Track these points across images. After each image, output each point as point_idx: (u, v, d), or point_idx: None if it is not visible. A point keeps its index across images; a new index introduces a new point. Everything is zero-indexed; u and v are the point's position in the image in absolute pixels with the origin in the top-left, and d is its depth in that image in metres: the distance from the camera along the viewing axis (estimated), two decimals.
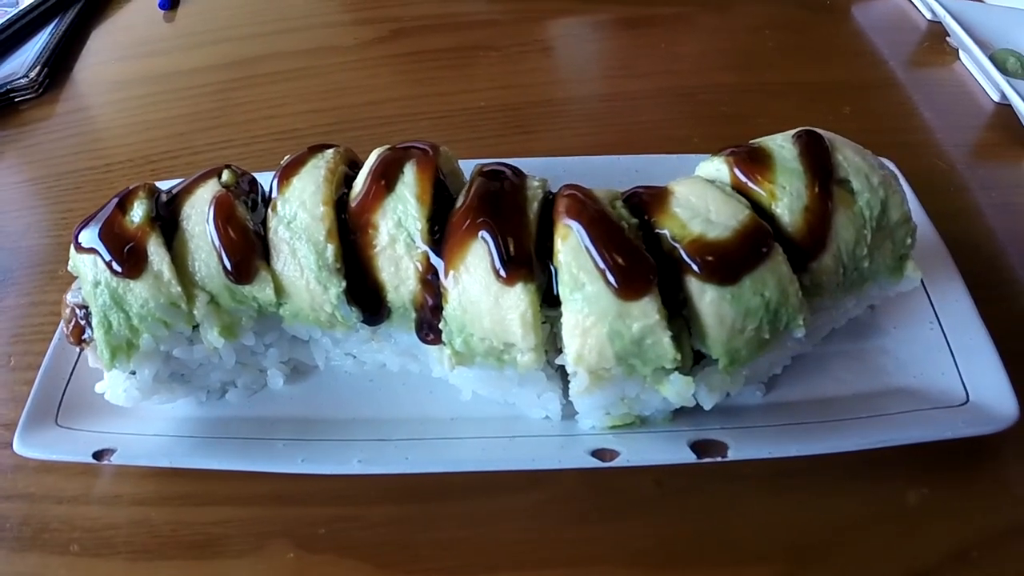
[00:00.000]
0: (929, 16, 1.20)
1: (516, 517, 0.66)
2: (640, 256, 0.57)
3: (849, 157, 0.65)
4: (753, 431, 0.65)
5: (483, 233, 0.58)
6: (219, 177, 0.67)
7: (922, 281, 0.75)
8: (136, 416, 0.69)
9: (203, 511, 0.67)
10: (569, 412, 0.65)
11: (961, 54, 1.12)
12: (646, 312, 0.56)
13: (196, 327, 0.65)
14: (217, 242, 0.63)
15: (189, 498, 0.68)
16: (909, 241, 0.66)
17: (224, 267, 0.63)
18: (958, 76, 1.12)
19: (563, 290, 0.58)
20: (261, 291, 0.64)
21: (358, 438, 0.65)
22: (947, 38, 1.15)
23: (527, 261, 0.58)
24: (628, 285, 0.56)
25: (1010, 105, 0.95)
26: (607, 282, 0.56)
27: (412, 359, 0.68)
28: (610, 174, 0.76)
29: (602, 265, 0.56)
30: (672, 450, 0.62)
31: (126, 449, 0.65)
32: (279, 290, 0.64)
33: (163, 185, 0.70)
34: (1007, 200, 0.92)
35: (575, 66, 1.18)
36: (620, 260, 0.56)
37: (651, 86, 1.10)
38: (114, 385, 0.66)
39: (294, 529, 0.66)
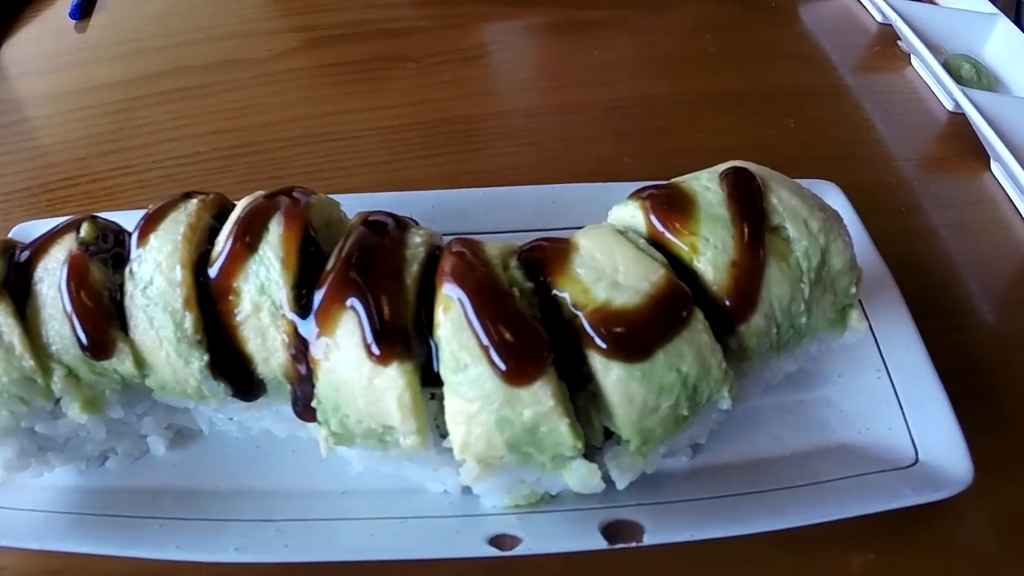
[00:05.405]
0: (880, 18, 1.00)
1: None
2: (531, 332, 0.42)
3: (785, 199, 0.49)
4: (674, 507, 0.50)
5: (351, 302, 0.43)
6: (78, 231, 0.51)
7: (870, 325, 0.60)
8: (12, 487, 0.54)
9: None
10: None
11: (913, 59, 0.94)
12: (539, 399, 0.41)
13: (58, 400, 0.51)
14: (69, 312, 0.48)
15: (72, 573, 0.53)
16: (853, 290, 0.51)
17: (78, 340, 0.48)
18: (910, 82, 0.93)
19: (444, 371, 0.43)
20: (121, 364, 0.49)
21: (238, 518, 0.51)
22: (898, 41, 0.96)
23: (403, 336, 0.43)
24: (516, 368, 0.41)
25: (965, 114, 0.77)
26: (492, 363, 0.41)
27: (299, 426, 0.53)
28: (523, 207, 0.60)
29: (486, 343, 0.41)
30: (580, 535, 0.48)
31: None
32: (140, 362, 0.49)
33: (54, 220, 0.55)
34: (961, 219, 0.76)
35: (499, 77, 0.97)
36: (507, 337, 0.41)
37: (581, 99, 0.90)
38: None
39: None
